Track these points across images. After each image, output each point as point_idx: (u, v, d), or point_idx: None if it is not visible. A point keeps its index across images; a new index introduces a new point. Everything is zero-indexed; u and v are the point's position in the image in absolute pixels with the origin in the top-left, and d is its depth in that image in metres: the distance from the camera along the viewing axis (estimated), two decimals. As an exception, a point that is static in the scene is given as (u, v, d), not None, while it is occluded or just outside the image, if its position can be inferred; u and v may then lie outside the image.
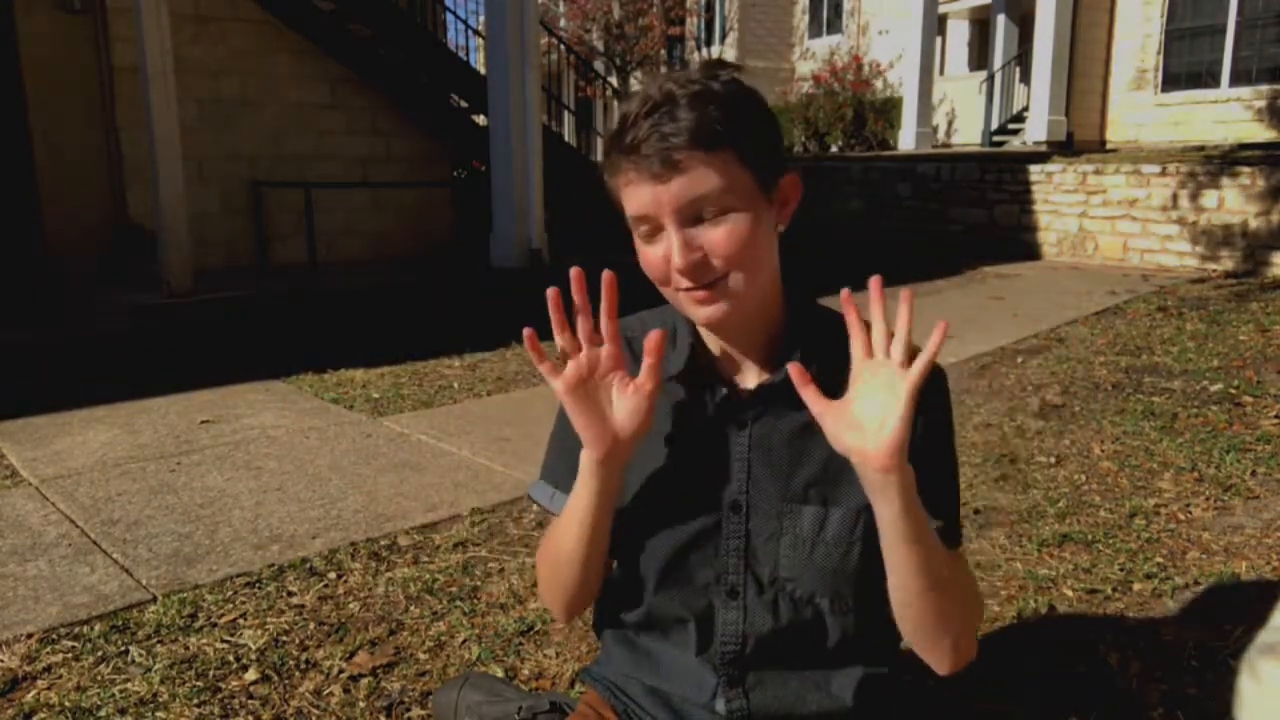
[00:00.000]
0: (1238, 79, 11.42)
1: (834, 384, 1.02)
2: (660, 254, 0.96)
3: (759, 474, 1.03)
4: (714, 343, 1.06)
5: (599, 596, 1.15)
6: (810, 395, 0.93)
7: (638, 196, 0.94)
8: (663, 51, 21.68)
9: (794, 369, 0.93)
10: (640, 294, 1.12)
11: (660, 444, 1.06)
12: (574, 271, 0.96)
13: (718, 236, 0.94)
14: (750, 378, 1.05)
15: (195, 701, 1.66)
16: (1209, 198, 7.47)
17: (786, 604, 1.05)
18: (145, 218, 6.90)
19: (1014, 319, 5.48)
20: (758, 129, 0.96)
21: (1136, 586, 2.09)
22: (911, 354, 0.93)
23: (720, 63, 0.98)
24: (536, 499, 1.17)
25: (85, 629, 1.92)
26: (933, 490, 1.00)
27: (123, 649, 1.84)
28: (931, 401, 1.01)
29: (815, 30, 19.62)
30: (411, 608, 2.03)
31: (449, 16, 25.21)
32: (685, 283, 0.95)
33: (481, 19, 10.65)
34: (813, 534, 1.03)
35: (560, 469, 1.13)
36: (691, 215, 0.93)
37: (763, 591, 1.05)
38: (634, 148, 0.92)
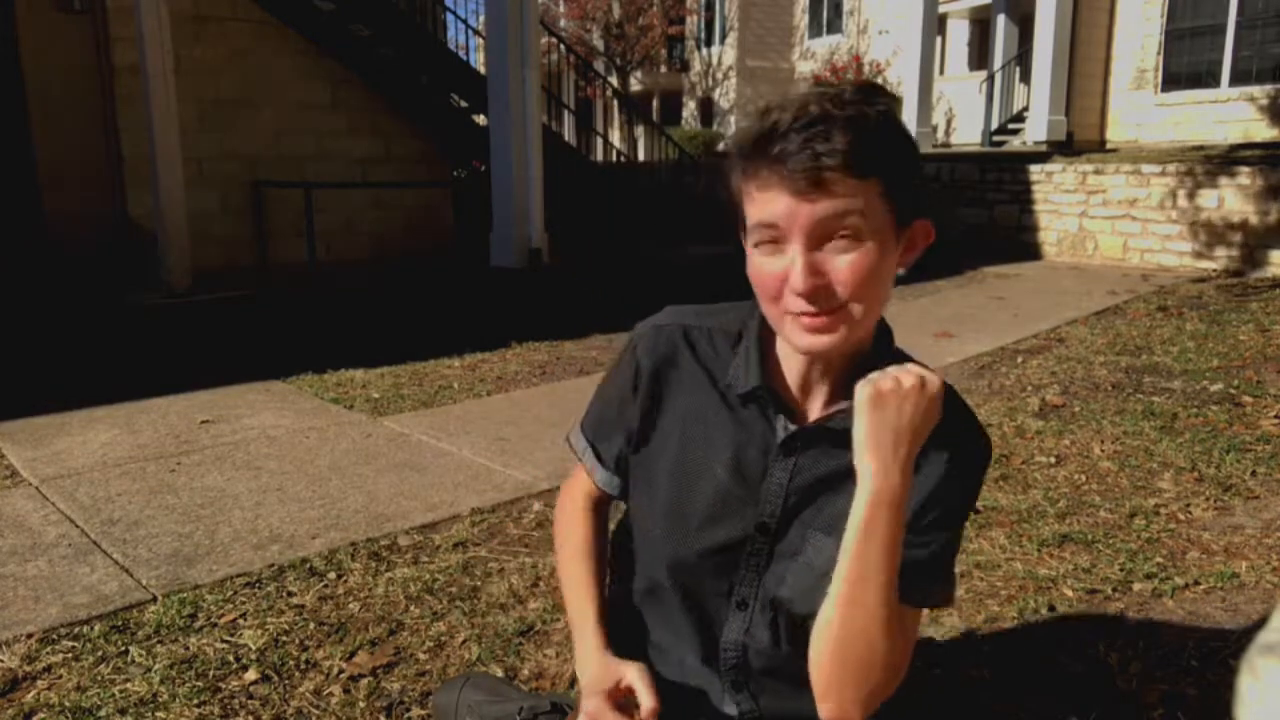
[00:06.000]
0: (1238, 79, 11.42)
1: None
2: (778, 269, 0.92)
3: (794, 502, 1.03)
4: (788, 365, 1.03)
5: (609, 600, 1.15)
6: None
7: (771, 206, 0.90)
8: (663, 51, 21.70)
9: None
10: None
11: (709, 444, 1.05)
12: None
13: (844, 265, 0.90)
14: (815, 401, 1.03)
15: (195, 701, 1.66)
16: (1209, 197, 7.47)
17: (785, 622, 1.05)
18: (145, 217, 6.90)
19: (1014, 319, 5.48)
20: (906, 164, 0.93)
21: (1136, 586, 2.09)
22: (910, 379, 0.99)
23: (878, 89, 0.94)
24: (573, 447, 1.21)
25: (85, 629, 1.92)
26: (931, 547, 1.00)
27: (123, 649, 1.84)
28: (959, 475, 1.01)
29: (815, 30, 19.63)
30: (411, 608, 2.03)
31: (449, 16, 25.21)
32: (800, 306, 0.91)
33: (481, 19, 10.65)
34: (826, 566, 1.01)
35: (603, 425, 1.17)
36: (821, 237, 0.89)
37: (767, 609, 1.05)
38: (781, 159, 0.88)
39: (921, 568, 1.00)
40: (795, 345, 0.95)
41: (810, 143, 0.86)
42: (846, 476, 1.01)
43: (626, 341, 1.14)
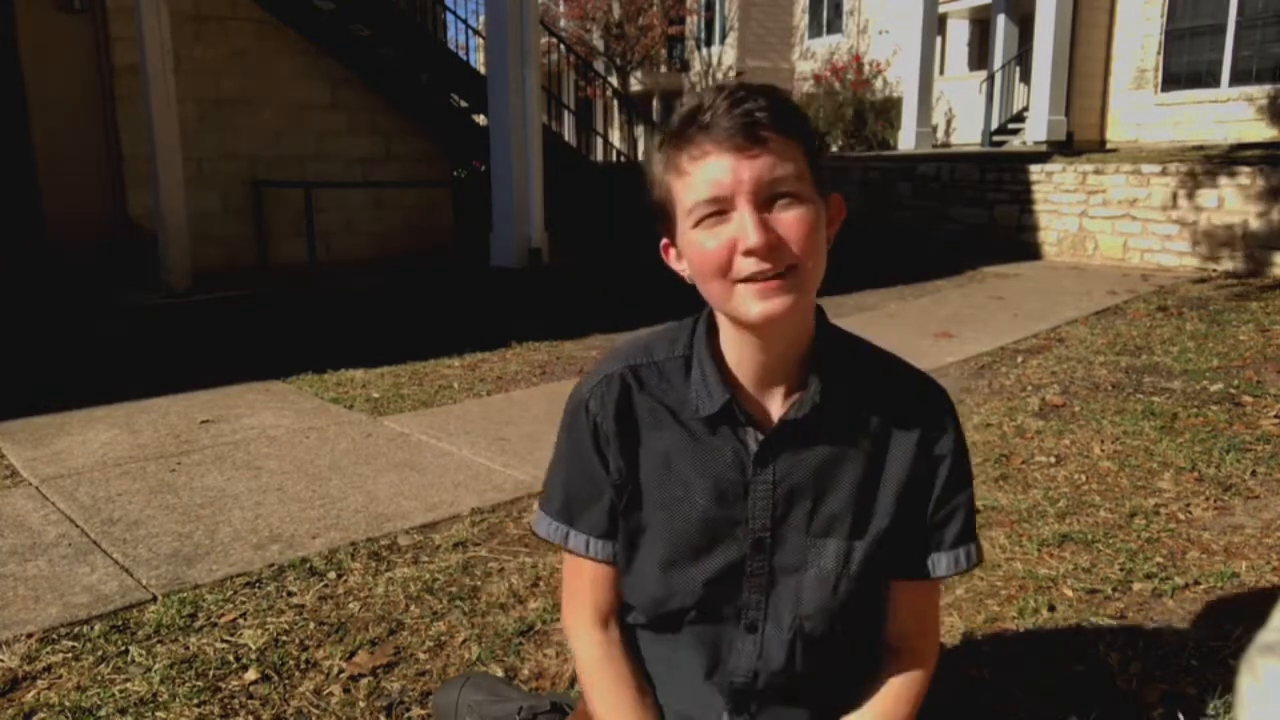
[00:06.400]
0: (1238, 78, 11.42)
1: (854, 414, 1.03)
2: (724, 240, 0.92)
3: (783, 511, 1.02)
4: (742, 367, 1.02)
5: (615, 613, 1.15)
6: None
7: (711, 173, 0.91)
8: (663, 51, 21.68)
9: None
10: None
11: (684, 483, 1.04)
12: None
13: (791, 220, 0.92)
14: (775, 404, 1.03)
15: (195, 701, 1.66)
16: (1209, 197, 7.47)
17: (803, 643, 1.04)
18: (145, 217, 6.91)
19: (1014, 319, 5.48)
20: (814, 138, 0.98)
21: (1136, 586, 2.09)
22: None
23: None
24: (548, 538, 1.13)
25: (85, 629, 1.92)
26: (953, 524, 1.05)
27: (123, 649, 1.84)
28: (940, 440, 1.04)
29: (815, 30, 19.62)
30: (411, 608, 2.03)
31: (449, 16, 25.22)
32: (753, 266, 0.91)
33: (481, 19, 10.65)
34: (837, 568, 1.02)
35: (575, 505, 1.10)
36: (765, 198, 0.91)
37: (781, 630, 1.04)
38: (713, 123, 0.91)
39: (929, 542, 1.05)
40: (748, 316, 0.94)
41: (739, 104, 0.91)
42: (827, 470, 1.02)
43: (569, 409, 1.10)
